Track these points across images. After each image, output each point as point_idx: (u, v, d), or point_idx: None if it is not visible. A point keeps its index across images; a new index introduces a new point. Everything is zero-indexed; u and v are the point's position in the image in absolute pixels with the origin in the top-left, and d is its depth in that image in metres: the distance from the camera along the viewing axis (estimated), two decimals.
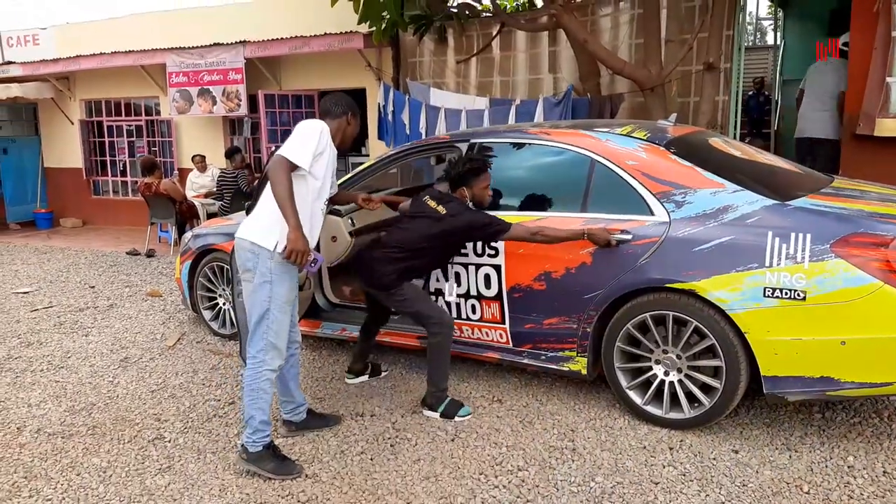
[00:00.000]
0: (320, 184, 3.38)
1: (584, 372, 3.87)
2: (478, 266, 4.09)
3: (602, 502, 3.04)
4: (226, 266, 5.16)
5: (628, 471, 3.27)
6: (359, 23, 8.04)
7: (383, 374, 4.52)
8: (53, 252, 9.75)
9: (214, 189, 9.33)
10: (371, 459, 3.47)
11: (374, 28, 8.11)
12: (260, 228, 3.32)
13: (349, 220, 5.04)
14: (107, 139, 12.03)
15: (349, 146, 3.65)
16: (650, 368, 3.67)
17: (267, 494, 3.19)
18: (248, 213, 3.95)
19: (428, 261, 3.97)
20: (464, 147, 4.33)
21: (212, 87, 10.00)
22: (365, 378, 4.44)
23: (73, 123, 12.02)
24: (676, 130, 4.21)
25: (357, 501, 3.12)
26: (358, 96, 9.47)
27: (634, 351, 3.70)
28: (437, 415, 3.88)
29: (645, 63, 6.47)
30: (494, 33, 8.23)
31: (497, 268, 4.03)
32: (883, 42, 5.71)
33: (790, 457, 3.34)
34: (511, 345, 4.10)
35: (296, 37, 9.09)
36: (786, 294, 3.21)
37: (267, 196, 3.36)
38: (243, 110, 9.94)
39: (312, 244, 3.53)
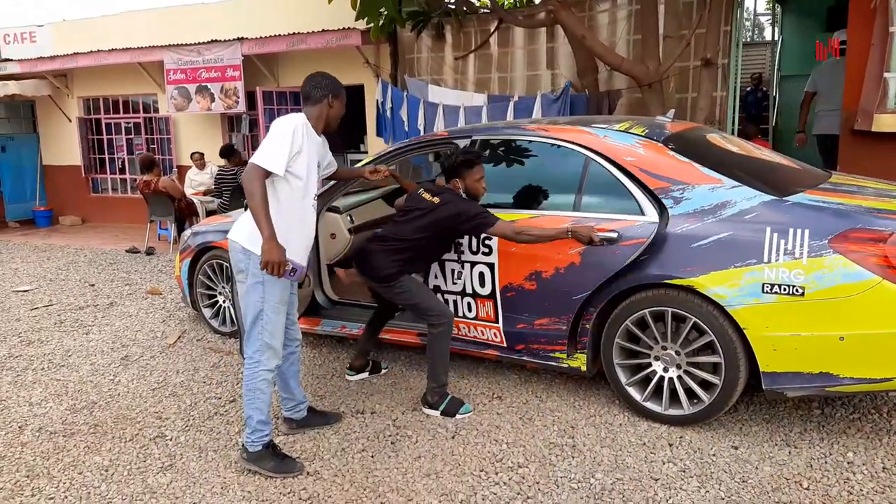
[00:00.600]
0: (304, 182, 3.32)
1: (584, 368, 3.88)
2: (473, 264, 4.09)
3: (602, 498, 3.05)
4: (225, 263, 5.16)
5: (628, 467, 3.28)
6: (356, 19, 8.03)
7: (383, 371, 4.53)
8: (53, 250, 9.74)
9: (213, 186, 9.33)
10: (372, 457, 3.49)
11: (371, 24, 8.09)
12: (248, 232, 3.29)
13: (348, 217, 5.06)
14: (105, 137, 12.02)
15: (335, 127, 3.55)
16: (649, 365, 3.68)
17: (269, 492, 3.20)
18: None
19: (425, 253, 3.98)
20: (463, 144, 4.33)
21: (210, 84, 9.99)
22: (365, 375, 4.45)
23: (71, 121, 12.01)
24: (674, 126, 4.21)
25: (358, 499, 3.14)
26: (356, 93, 9.48)
27: (634, 347, 3.71)
28: (437, 413, 3.89)
29: (643, 59, 6.47)
30: (492, 30, 8.23)
31: (491, 266, 4.03)
32: (880, 38, 5.71)
33: (790, 453, 3.35)
34: (505, 344, 4.11)
35: (293, 34, 9.09)
36: (784, 290, 3.22)
37: None
38: (241, 107, 9.94)
39: (309, 242, 3.53)
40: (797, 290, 3.20)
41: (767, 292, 3.25)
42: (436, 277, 4.26)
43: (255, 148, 10.47)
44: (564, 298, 3.81)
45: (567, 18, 6.51)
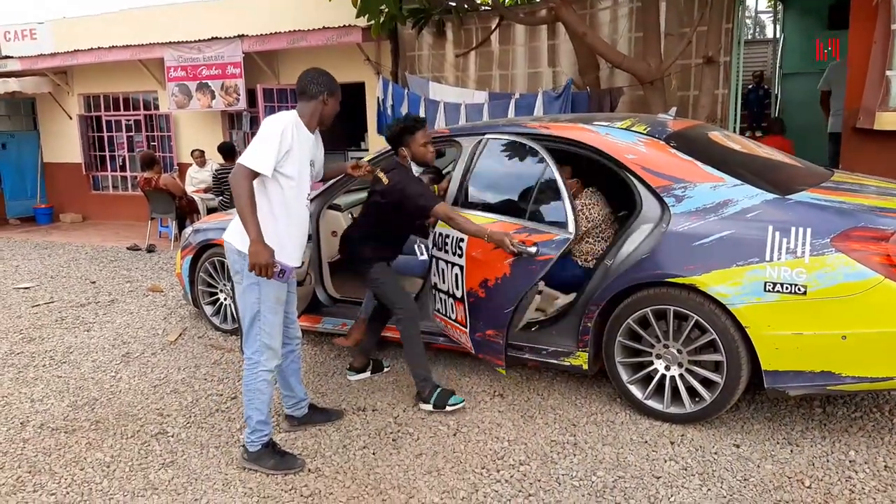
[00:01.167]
0: (296, 182, 3.28)
1: (586, 367, 3.88)
2: (451, 264, 4.05)
3: (604, 496, 3.05)
4: (226, 261, 5.15)
5: (630, 465, 3.28)
6: (357, 16, 8.03)
7: (385, 369, 4.52)
8: (54, 247, 9.74)
9: (213, 184, 9.32)
10: (373, 454, 3.49)
11: (372, 22, 8.09)
12: (241, 233, 3.27)
13: (349, 215, 5.06)
14: (105, 134, 12.01)
15: (329, 126, 3.50)
16: (651, 363, 3.68)
17: (270, 489, 3.20)
18: None
19: (392, 235, 4.02)
20: (464, 141, 4.33)
21: (210, 81, 9.99)
22: (366, 375, 4.44)
23: (71, 118, 12.01)
24: (676, 124, 4.21)
25: (359, 496, 3.14)
26: (357, 90, 9.47)
27: (635, 346, 3.71)
28: (430, 406, 3.90)
29: (644, 56, 6.47)
30: (493, 27, 8.22)
31: (461, 268, 3.99)
32: (882, 36, 5.70)
33: (791, 451, 3.35)
34: (473, 351, 4.06)
35: (294, 31, 9.08)
36: (786, 288, 3.22)
37: None
38: (242, 104, 9.93)
39: (303, 243, 3.49)
40: (799, 289, 3.20)
41: (769, 291, 3.25)
42: (434, 275, 4.25)
43: None
44: (499, 310, 3.79)
45: (568, 16, 6.50)
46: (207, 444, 3.65)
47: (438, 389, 3.91)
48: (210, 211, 8.97)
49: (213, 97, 10.05)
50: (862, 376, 3.20)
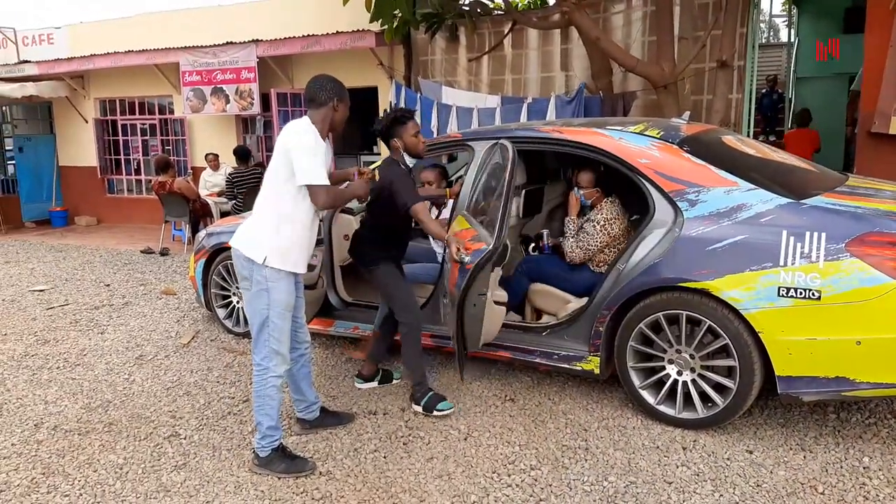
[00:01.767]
0: None
1: (597, 371, 3.87)
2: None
3: (615, 502, 3.04)
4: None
5: (641, 470, 3.27)
6: (371, 21, 8.06)
7: (395, 381, 4.40)
8: (69, 250, 9.83)
9: (226, 188, 9.38)
10: (384, 457, 3.49)
11: (385, 26, 8.12)
12: (248, 240, 3.31)
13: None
14: (121, 138, 12.12)
15: (339, 132, 3.52)
16: (663, 368, 3.66)
17: (281, 492, 3.21)
18: None
19: (392, 234, 4.01)
20: (476, 145, 4.33)
21: (225, 85, 10.05)
22: (374, 384, 4.36)
23: (87, 122, 12.12)
24: (690, 128, 4.19)
25: (370, 499, 3.14)
26: (370, 95, 9.50)
27: (647, 350, 3.69)
28: (420, 408, 3.94)
29: (658, 60, 6.45)
30: (506, 31, 8.23)
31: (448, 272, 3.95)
32: None
33: (805, 457, 3.32)
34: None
35: (308, 35, 9.13)
36: (800, 294, 3.20)
37: (256, 208, 3.38)
38: (256, 109, 9.99)
39: (311, 250, 3.51)
40: (813, 294, 3.18)
41: (783, 296, 3.23)
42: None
43: (269, 149, 10.56)
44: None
45: (581, 20, 6.50)
46: (219, 447, 3.66)
47: (430, 393, 3.95)
48: (223, 214, 9.02)
49: (228, 101, 10.11)
50: (876, 382, 3.17)
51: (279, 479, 3.30)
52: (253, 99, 9.90)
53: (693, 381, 3.59)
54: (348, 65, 9.40)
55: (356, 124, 3.68)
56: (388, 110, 4.21)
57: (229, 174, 9.11)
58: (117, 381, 4.63)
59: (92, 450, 3.68)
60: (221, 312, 5.52)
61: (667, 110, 6.27)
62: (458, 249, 3.49)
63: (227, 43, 9.85)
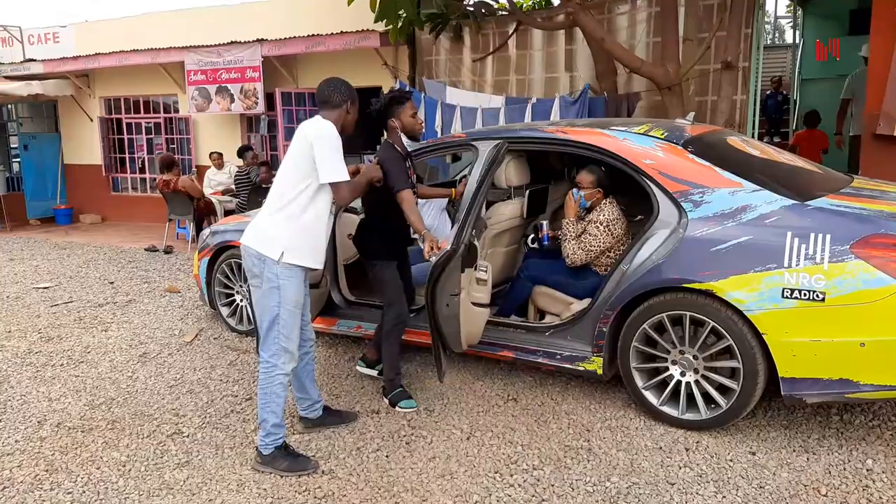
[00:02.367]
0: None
1: (600, 372, 3.86)
2: None
3: (617, 502, 3.03)
4: (243, 264, 5.19)
5: (644, 471, 3.26)
6: (375, 21, 8.06)
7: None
8: (73, 248, 9.85)
9: (232, 186, 9.41)
10: (387, 456, 3.49)
11: (390, 26, 8.12)
12: (263, 237, 3.32)
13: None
14: (126, 136, 12.15)
15: (349, 134, 3.54)
16: (666, 369, 3.66)
17: (284, 490, 3.22)
18: None
19: (391, 224, 3.97)
20: (480, 145, 4.33)
21: (230, 84, 10.07)
22: (373, 373, 4.40)
23: (92, 120, 12.15)
24: (694, 129, 4.19)
25: (373, 498, 3.14)
26: (374, 95, 9.48)
27: (651, 351, 3.69)
28: (387, 401, 4.03)
29: (662, 61, 6.44)
30: (511, 32, 8.22)
31: None
32: None
33: (808, 459, 3.32)
34: None
35: (313, 35, 9.14)
36: (805, 295, 3.19)
37: (270, 204, 3.38)
38: (260, 108, 10.00)
39: (325, 246, 3.54)
40: (818, 296, 3.17)
41: (787, 297, 3.22)
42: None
43: (273, 148, 10.58)
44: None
45: (586, 21, 6.49)
46: (222, 445, 3.67)
47: (398, 389, 4.03)
48: (227, 213, 9.03)
49: (232, 100, 10.13)
50: (880, 384, 3.17)
51: (281, 477, 3.31)
52: (257, 98, 9.92)
53: (696, 382, 3.58)
54: (353, 65, 9.41)
55: (360, 124, 3.66)
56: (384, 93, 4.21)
57: (236, 174, 9.14)
58: (121, 379, 4.64)
59: (95, 447, 3.69)
60: (225, 311, 5.53)
61: (671, 111, 6.26)
62: (431, 248, 3.54)
63: (232, 42, 9.86)
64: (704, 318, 3.45)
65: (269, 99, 10.01)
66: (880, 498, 2.99)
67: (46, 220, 12.49)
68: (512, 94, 8.17)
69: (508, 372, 4.47)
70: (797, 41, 10.64)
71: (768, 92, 10.49)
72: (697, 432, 3.58)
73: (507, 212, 4.55)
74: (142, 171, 12.22)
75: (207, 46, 10.06)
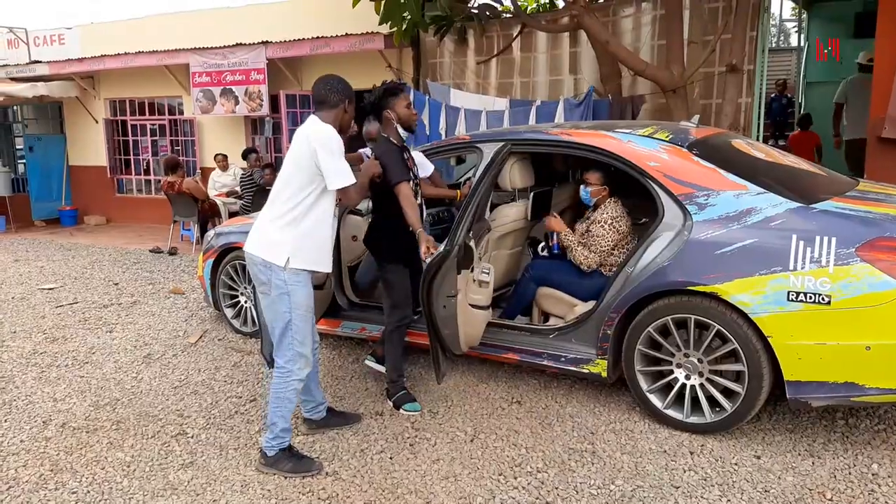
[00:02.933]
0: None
1: (605, 374, 3.86)
2: None
3: None
4: (248, 270, 5.20)
5: (648, 474, 3.26)
6: (380, 23, 8.06)
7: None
8: (78, 249, 9.88)
9: (237, 188, 9.42)
10: (390, 458, 3.49)
11: (394, 29, 8.13)
12: (268, 243, 3.28)
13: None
14: (130, 138, 12.18)
15: (346, 133, 3.50)
16: (671, 372, 3.65)
17: (288, 491, 3.22)
18: None
19: (391, 216, 3.89)
20: (485, 147, 4.33)
21: (234, 87, 10.08)
22: (381, 369, 4.34)
23: (97, 122, 12.18)
24: (699, 132, 4.19)
25: (376, 499, 3.14)
26: None
27: (655, 354, 3.68)
28: (391, 404, 4.02)
29: (667, 64, 6.43)
30: (515, 34, 8.22)
31: None
32: None
33: (813, 463, 3.31)
34: None
35: (317, 37, 9.15)
36: (810, 298, 3.19)
37: (271, 209, 3.33)
38: (265, 110, 10.02)
39: (333, 240, 3.53)
40: (823, 299, 3.16)
41: (793, 300, 3.22)
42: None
43: (277, 150, 10.59)
44: None
45: (591, 23, 6.49)
46: (226, 446, 3.67)
47: (402, 391, 4.03)
48: (232, 215, 9.05)
49: (237, 103, 10.14)
50: (886, 388, 3.16)
51: (286, 478, 3.31)
52: (262, 100, 9.93)
53: (701, 385, 3.57)
54: (357, 67, 9.42)
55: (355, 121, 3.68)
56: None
57: (241, 176, 9.16)
58: (125, 380, 4.64)
59: (100, 447, 3.70)
60: (229, 312, 5.53)
61: (676, 114, 6.25)
62: (428, 249, 3.53)
63: (237, 44, 9.88)
64: (709, 321, 3.45)
65: (274, 101, 10.02)
66: (886, 502, 2.98)
67: (51, 222, 12.52)
68: (516, 97, 8.17)
69: (513, 374, 4.46)
70: (802, 45, 10.62)
71: (773, 95, 10.47)
72: (702, 436, 3.57)
73: (512, 214, 4.55)
74: (146, 172, 12.25)
75: (212, 48, 10.09)
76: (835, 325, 3.17)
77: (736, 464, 3.32)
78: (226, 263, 5.42)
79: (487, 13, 8.45)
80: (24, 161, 12.91)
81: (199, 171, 11.16)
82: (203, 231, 8.97)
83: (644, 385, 3.73)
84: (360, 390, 4.35)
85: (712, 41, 6.57)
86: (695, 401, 3.60)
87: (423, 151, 4.71)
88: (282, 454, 3.37)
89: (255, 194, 8.73)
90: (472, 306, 3.94)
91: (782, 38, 16.60)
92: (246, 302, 5.43)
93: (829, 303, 3.16)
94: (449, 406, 4.06)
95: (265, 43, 9.63)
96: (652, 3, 7.42)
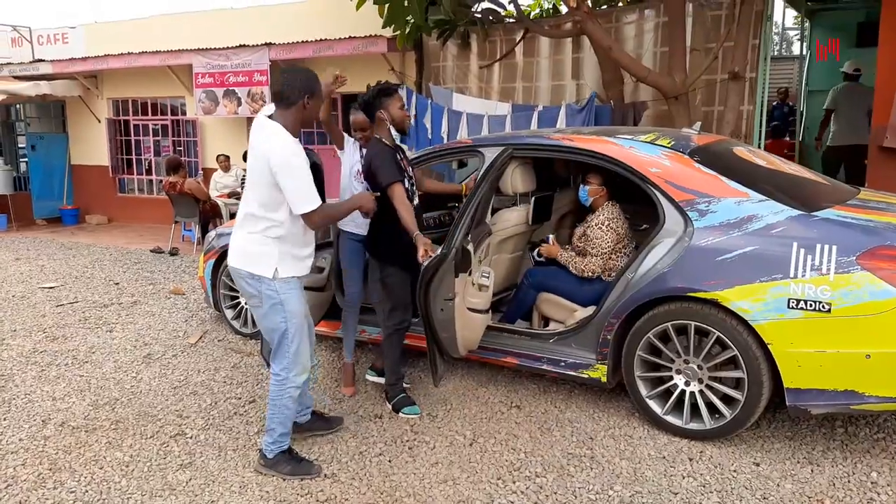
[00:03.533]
0: None
1: (604, 380, 3.86)
2: None
3: None
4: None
5: (647, 480, 3.26)
6: (383, 27, 8.08)
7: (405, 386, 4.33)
8: (79, 248, 9.88)
9: (238, 189, 9.43)
10: (389, 461, 3.49)
11: (398, 32, 8.14)
12: (251, 256, 3.18)
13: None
14: (133, 138, 12.19)
15: (312, 124, 3.32)
16: (671, 378, 3.65)
17: (286, 493, 3.22)
18: None
19: (388, 218, 3.85)
20: (486, 151, 4.34)
21: (237, 88, 10.10)
22: (383, 381, 4.39)
23: (100, 122, 12.19)
24: (701, 139, 4.19)
25: (375, 502, 3.14)
26: None
27: (655, 360, 3.68)
28: (390, 407, 4.01)
29: (669, 71, 6.44)
30: (518, 39, 8.23)
31: None
32: None
33: (812, 471, 3.31)
34: None
35: (321, 40, 9.17)
36: (810, 306, 3.19)
37: (245, 222, 3.21)
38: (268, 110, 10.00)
39: (314, 240, 3.39)
40: (823, 307, 3.17)
41: (793, 308, 3.22)
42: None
43: None
44: None
45: (594, 29, 6.50)
46: (225, 447, 3.67)
47: (402, 395, 4.03)
48: (233, 216, 9.04)
49: (240, 104, 10.16)
50: (886, 396, 3.16)
51: (284, 480, 3.31)
52: (265, 101, 9.94)
53: (701, 391, 3.57)
54: (360, 69, 9.42)
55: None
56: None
57: (243, 177, 9.16)
58: (125, 380, 4.64)
59: (98, 447, 3.70)
60: (230, 313, 5.54)
61: (678, 121, 6.25)
62: (425, 252, 3.51)
63: (240, 46, 9.89)
64: (709, 327, 3.45)
65: None
66: None
67: (53, 221, 12.53)
68: (518, 102, 8.17)
69: (512, 379, 4.46)
70: (804, 53, 10.63)
71: (775, 103, 10.47)
72: (701, 442, 3.57)
73: (513, 218, 4.55)
74: (148, 172, 12.26)
75: (216, 49, 10.10)
76: (835, 333, 3.17)
77: (735, 471, 3.32)
78: (227, 264, 5.40)
79: (491, 18, 8.46)
80: (26, 159, 12.92)
81: (200, 171, 11.17)
82: (204, 232, 8.97)
83: (643, 391, 3.74)
84: (360, 392, 4.35)
85: (715, 48, 6.58)
86: (694, 407, 3.60)
87: (425, 155, 4.72)
88: (281, 456, 3.37)
89: None
90: (471, 310, 3.94)
91: (784, 46, 16.62)
92: (246, 303, 5.43)
93: (829, 311, 3.16)
94: (448, 410, 4.06)
95: (268, 45, 9.64)
96: (655, 10, 7.43)
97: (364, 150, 4.05)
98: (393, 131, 3.94)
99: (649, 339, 3.65)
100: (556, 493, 3.17)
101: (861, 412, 3.36)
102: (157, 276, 7.82)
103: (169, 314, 6.21)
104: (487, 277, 4.02)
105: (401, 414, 3.96)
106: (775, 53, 14.05)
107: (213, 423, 3.97)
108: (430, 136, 8.24)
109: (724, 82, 6.84)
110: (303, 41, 9.33)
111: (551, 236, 4.62)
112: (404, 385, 4.25)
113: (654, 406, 3.71)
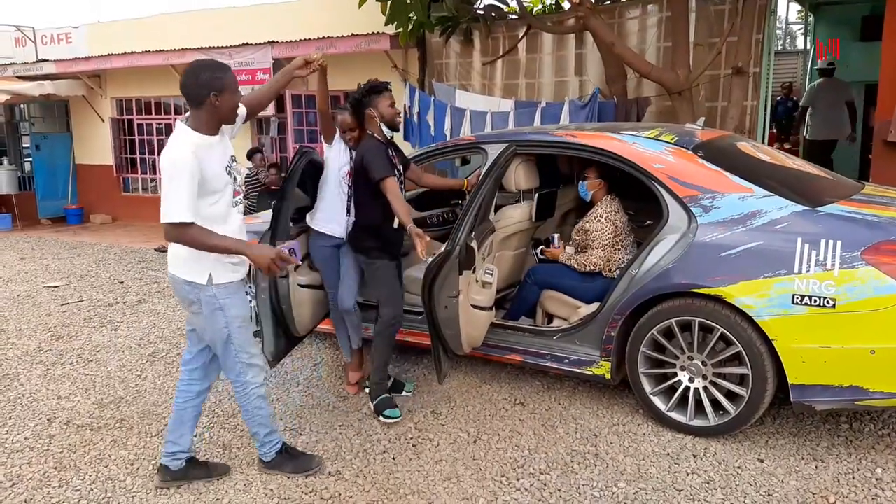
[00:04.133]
0: (220, 193, 3.08)
1: (608, 376, 3.85)
2: None
3: None
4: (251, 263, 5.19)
5: (651, 477, 3.25)
6: (386, 24, 8.08)
7: (405, 393, 4.28)
8: (83, 247, 9.91)
9: (241, 187, 9.42)
10: (393, 459, 3.49)
11: (400, 29, 8.14)
12: (186, 263, 3.04)
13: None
14: (137, 137, 12.21)
15: (234, 119, 3.18)
16: (675, 375, 3.65)
17: (290, 490, 3.22)
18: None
19: (375, 214, 3.87)
20: (489, 148, 4.33)
21: (240, 86, 10.06)
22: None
23: (103, 121, 12.22)
24: (705, 134, 4.18)
25: (379, 500, 3.14)
26: None
27: (659, 357, 3.67)
28: (372, 406, 3.97)
29: (673, 66, 6.42)
30: (521, 35, 8.22)
31: None
32: None
33: (816, 467, 3.30)
34: None
35: (323, 38, 9.15)
36: (815, 301, 3.18)
37: None
38: (270, 110, 10.02)
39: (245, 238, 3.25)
40: (828, 302, 3.16)
41: (797, 303, 3.21)
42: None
43: (283, 151, 10.61)
44: None
45: (597, 25, 6.48)
46: (230, 445, 3.68)
47: (384, 396, 3.96)
48: None
49: None
50: (890, 392, 3.15)
51: (289, 478, 3.31)
52: None
53: (705, 388, 3.57)
54: (363, 67, 9.41)
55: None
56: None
57: (245, 175, 9.17)
58: (129, 378, 4.66)
59: (103, 445, 3.71)
60: None
61: (681, 116, 6.23)
62: (423, 244, 3.48)
63: (243, 44, 9.89)
64: (713, 323, 3.44)
65: (279, 101, 10.03)
66: None
67: (57, 220, 12.56)
68: (521, 98, 8.16)
69: (516, 376, 4.46)
70: (808, 47, 10.59)
71: (778, 98, 10.43)
72: (705, 439, 3.57)
73: (516, 215, 4.55)
74: (152, 171, 12.28)
75: (218, 48, 10.09)
76: (839, 329, 3.16)
77: (739, 467, 3.31)
78: None
79: (493, 14, 8.45)
80: (30, 159, 12.95)
81: None
82: None
83: (648, 387, 3.73)
84: (364, 390, 4.34)
85: (718, 43, 6.56)
86: (698, 404, 3.59)
87: (429, 152, 4.71)
88: (279, 457, 3.36)
89: (259, 194, 8.74)
90: (475, 307, 3.94)
91: (788, 40, 16.54)
92: (250, 301, 5.42)
93: (833, 306, 3.15)
94: (452, 407, 4.06)
95: (271, 43, 9.64)
96: (658, 6, 7.41)
97: (353, 153, 4.04)
98: (384, 128, 3.93)
99: (653, 336, 3.64)
100: (559, 490, 3.17)
101: (866, 408, 3.36)
102: (161, 275, 7.84)
103: (173, 313, 6.23)
104: (491, 274, 4.01)
105: (381, 417, 3.88)
106: (779, 48, 13.98)
107: (217, 420, 3.97)
108: (433, 133, 8.23)
109: (727, 77, 6.81)
110: (305, 39, 9.32)
111: (556, 236, 4.62)
112: (405, 386, 4.27)
113: (658, 403, 3.71)
